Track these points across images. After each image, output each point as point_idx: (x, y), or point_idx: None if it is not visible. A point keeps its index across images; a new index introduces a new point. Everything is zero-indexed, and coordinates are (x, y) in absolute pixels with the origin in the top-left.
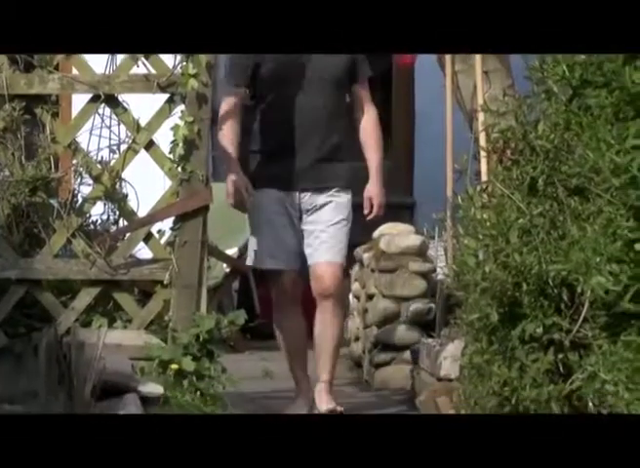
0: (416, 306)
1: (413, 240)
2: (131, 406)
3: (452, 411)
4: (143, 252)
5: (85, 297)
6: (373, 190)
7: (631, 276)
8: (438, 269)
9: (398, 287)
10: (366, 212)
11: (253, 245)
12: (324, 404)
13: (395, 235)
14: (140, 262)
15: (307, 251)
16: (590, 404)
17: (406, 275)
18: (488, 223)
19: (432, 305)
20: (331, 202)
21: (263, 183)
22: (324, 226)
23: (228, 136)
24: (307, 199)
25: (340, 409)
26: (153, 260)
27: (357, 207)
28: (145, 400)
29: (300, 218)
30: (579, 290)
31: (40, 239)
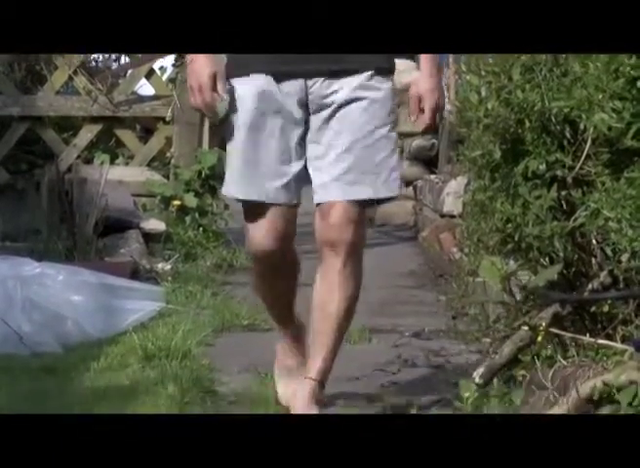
0: (418, 142)
1: (415, 76)
2: (133, 242)
3: (454, 248)
4: (145, 88)
5: (87, 134)
6: (424, 83)
7: (634, 113)
8: None
9: (400, 123)
10: (412, 118)
11: (231, 164)
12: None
13: (398, 71)
14: (141, 99)
15: (318, 178)
16: (594, 241)
17: (408, 111)
18: (490, 60)
19: (435, 141)
20: (361, 97)
21: (250, 67)
22: (349, 140)
23: None
24: (320, 90)
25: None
26: (155, 97)
27: None
28: (147, 236)
29: (307, 122)
30: (581, 126)
31: (42, 76)
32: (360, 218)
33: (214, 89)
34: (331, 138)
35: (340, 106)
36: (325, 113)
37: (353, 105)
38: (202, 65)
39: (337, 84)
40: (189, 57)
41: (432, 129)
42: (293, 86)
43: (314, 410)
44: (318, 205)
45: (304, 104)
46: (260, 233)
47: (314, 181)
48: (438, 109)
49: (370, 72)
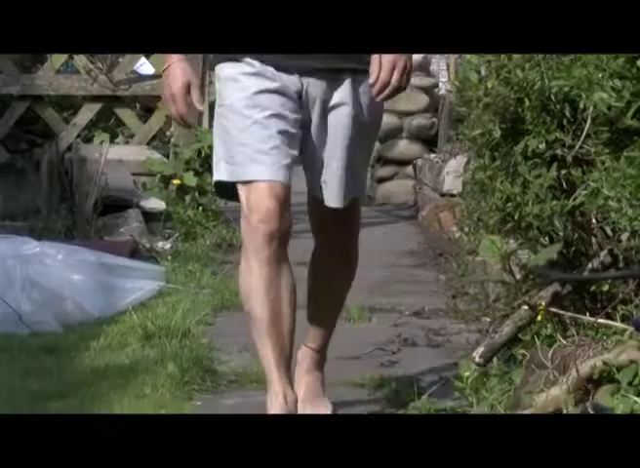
0: (418, 121)
1: (414, 55)
2: (132, 221)
3: (454, 227)
4: (145, 67)
5: (86, 113)
6: None
7: (634, 92)
8: (440, 84)
9: (400, 101)
10: (371, 80)
11: (221, 150)
12: (302, 399)
13: None
14: (141, 78)
15: (315, 179)
16: (593, 220)
17: (408, 90)
18: None
19: (434, 120)
20: (354, 99)
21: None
22: (344, 144)
23: None
24: (315, 88)
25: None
26: (155, 76)
27: None
28: (147, 215)
29: (304, 114)
30: (581, 105)
31: (42, 55)
32: (355, 213)
33: (187, 99)
34: (325, 139)
35: (334, 107)
36: (321, 113)
37: (349, 107)
38: (176, 75)
39: (332, 84)
40: (165, 65)
41: (388, 91)
42: (288, 78)
43: (316, 377)
44: (313, 198)
45: (300, 97)
46: (264, 209)
47: (309, 179)
48: (395, 68)
49: (364, 73)
